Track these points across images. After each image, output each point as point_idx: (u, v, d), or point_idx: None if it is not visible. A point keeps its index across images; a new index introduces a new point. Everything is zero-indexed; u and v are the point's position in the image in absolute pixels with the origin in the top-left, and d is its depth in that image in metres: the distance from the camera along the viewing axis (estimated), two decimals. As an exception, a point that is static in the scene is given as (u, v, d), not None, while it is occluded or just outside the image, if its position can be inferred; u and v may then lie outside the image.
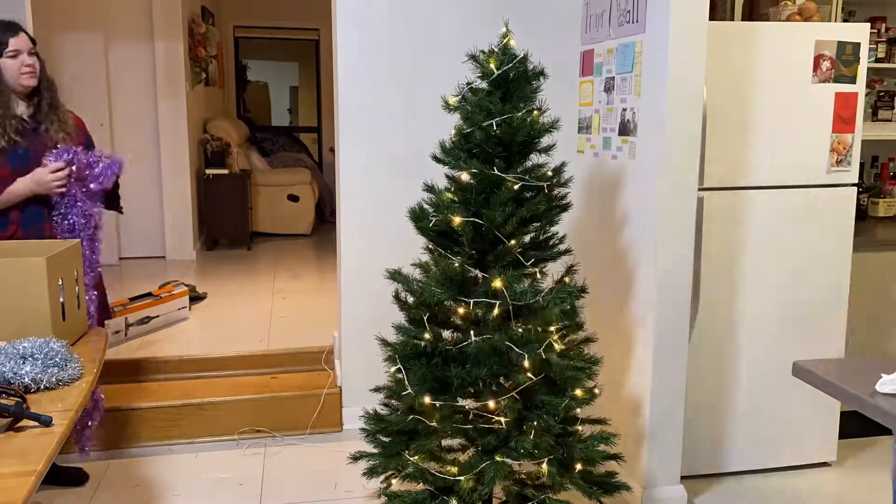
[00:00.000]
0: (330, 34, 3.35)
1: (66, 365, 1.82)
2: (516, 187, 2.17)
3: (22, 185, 2.55)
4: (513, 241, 2.20)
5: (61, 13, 5.35)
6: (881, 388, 1.54)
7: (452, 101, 2.26)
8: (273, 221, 6.79)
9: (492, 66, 2.17)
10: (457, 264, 2.17)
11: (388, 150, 3.19)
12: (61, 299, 2.07)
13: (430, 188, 2.33)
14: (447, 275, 2.17)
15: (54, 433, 1.53)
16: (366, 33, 3.12)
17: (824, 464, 3.07)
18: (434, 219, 2.20)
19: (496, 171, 2.14)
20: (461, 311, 2.20)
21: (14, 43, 2.51)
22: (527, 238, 2.27)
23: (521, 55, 2.18)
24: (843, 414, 3.03)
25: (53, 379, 1.76)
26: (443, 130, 2.34)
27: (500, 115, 2.14)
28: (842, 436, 3.06)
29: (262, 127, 8.61)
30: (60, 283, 2.08)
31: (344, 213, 3.21)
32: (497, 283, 2.12)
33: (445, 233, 2.23)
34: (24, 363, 1.75)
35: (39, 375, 1.74)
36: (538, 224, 2.27)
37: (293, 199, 6.80)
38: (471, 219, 2.16)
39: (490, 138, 2.15)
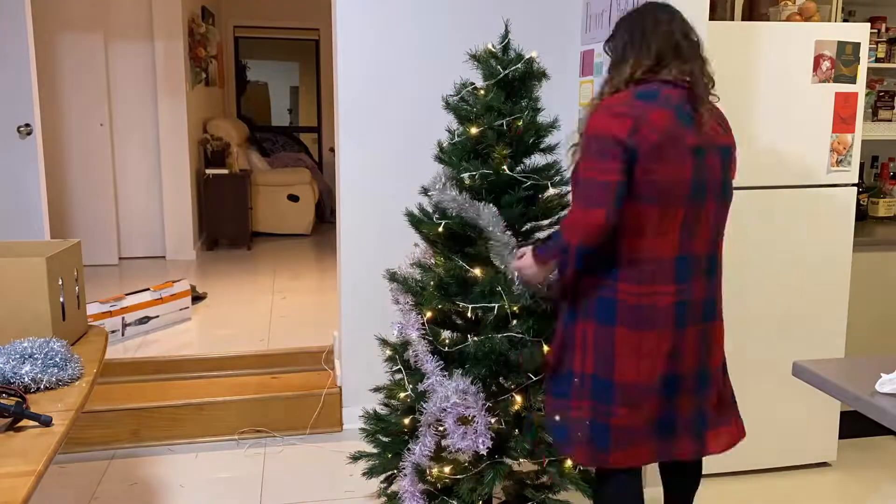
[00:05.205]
0: (330, 34, 3.34)
1: (66, 365, 1.82)
2: (525, 186, 2.17)
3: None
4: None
5: (61, 13, 5.34)
6: (881, 387, 1.54)
7: (452, 100, 2.26)
8: (273, 221, 6.79)
9: (497, 66, 2.17)
10: (462, 266, 2.17)
11: (388, 150, 3.19)
12: (61, 299, 2.08)
13: (427, 190, 2.33)
14: (450, 276, 2.17)
15: (54, 433, 1.53)
16: (366, 33, 3.12)
17: (824, 464, 3.07)
18: (444, 221, 2.19)
19: (508, 171, 2.15)
20: (460, 312, 2.20)
21: None
22: (542, 235, 2.27)
23: (529, 56, 2.19)
24: (843, 414, 3.03)
25: (53, 379, 1.76)
26: (443, 130, 2.34)
27: (510, 116, 2.14)
28: (842, 436, 3.05)
29: (262, 127, 8.60)
30: (60, 283, 2.08)
31: (344, 213, 3.21)
32: (494, 286, 2.12)
33: (455, 235, 2.22)
34: (24, 363, 1.75)
35: (39, 375, 1.74)
36: (547, 222, 2.28)
37: (293, 199, 6.80)
38: None
39: (501, 138, 2.15)
